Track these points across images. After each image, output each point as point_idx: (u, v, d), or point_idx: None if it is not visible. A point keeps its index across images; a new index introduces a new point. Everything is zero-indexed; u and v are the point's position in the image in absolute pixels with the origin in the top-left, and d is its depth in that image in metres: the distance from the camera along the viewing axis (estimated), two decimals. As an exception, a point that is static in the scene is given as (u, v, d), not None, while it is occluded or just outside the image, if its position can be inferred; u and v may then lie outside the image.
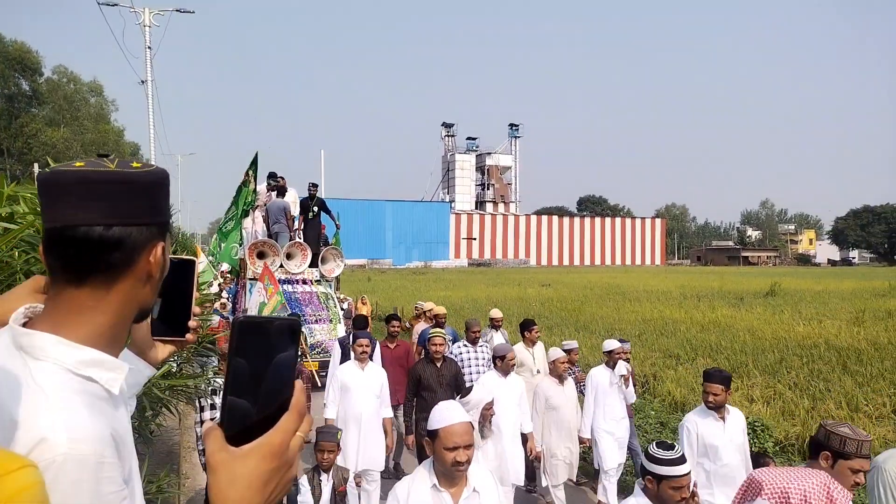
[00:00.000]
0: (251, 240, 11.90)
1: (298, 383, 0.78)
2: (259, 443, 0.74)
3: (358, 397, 5.78)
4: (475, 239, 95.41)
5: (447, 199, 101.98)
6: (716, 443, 4.42)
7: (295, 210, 12.81)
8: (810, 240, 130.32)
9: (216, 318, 9.10)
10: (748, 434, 7.27)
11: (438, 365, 6.13)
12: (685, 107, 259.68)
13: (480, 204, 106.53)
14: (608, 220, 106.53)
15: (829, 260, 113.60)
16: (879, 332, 14.50)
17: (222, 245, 11.49)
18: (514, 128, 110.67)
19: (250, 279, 11.30)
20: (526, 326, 7.54)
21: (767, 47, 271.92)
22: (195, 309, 1.18)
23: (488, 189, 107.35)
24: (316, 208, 12.66)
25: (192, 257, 1.20)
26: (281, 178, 12.98)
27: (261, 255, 11.25)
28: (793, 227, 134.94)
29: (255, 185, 11.69)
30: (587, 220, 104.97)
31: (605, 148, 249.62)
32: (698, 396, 9.54)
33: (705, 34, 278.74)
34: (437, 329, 6.80)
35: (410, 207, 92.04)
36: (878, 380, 9.96)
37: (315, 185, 12.85)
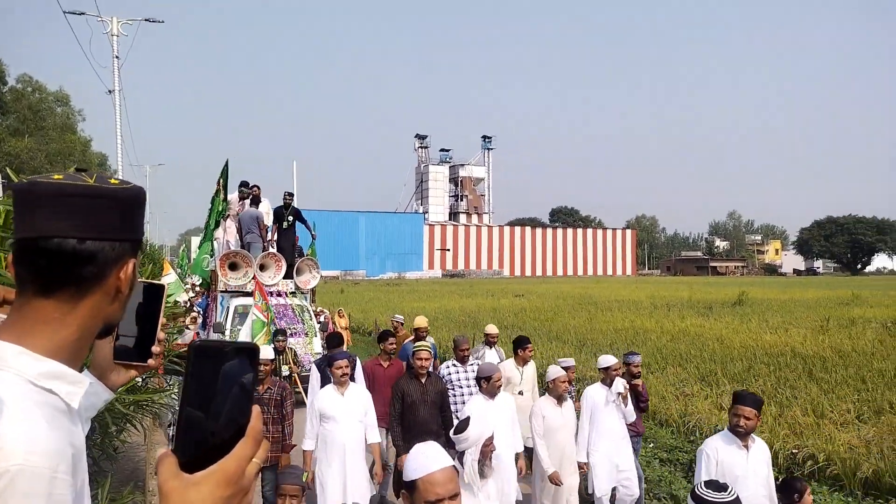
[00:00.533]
0: (223, 250, 11.50)
1: (255, 409, 0.76)
2: (213, 469, 0.73)
3: (340, 425, 5.25)
4: (449, 250, 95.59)
5: (421, 211, 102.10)
6: (737, 472, 4.05)
7: (269, 220, 12.44)
8: (776, 250, 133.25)
9: (189, 334, 8.77)
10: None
11: (423, 381, 5.73)
12: (655, 119, 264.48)
13: (454, 215, 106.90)
14: (580, 231, 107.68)
15: (794, 270, 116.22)
16: (843, 339, 14.83)
17: (193, 256, 11.14)
18: (487, 140, 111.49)
19: (222, 292, 10.93)
20: (520, 344, 7.08)
21: (734, 61, 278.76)
22: (160, 335, 1.17)
23: (462, 200, 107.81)
24: (291, 218, 12.23)
25: (162, 282, 1.19)
26: (255, 186, 12.58)
27: (233, 267, 10.85)
28: (759, 238, 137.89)
29: (226, 195, 11.35)
30: (559, 231, 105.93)
31: (577, 160, 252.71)
32: (669, 405, 9.66)
33: (673, 49, 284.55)
34: (423, 343, 6.36)
35: (384, 219, 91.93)
36: (842, 386, 10.17)
37: (290, 195, 12.39)
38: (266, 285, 10.77)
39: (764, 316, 21.12)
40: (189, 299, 17.71)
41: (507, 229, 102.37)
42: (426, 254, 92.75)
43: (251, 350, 0.76)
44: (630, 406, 5.95)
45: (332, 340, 6.81)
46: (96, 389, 1.15)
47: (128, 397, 3.81)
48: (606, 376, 5.94)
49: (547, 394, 5.69)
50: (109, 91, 21.21)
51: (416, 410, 5.61)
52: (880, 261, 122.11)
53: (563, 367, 6.14)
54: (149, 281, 1.15)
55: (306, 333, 10.71)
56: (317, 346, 10.51)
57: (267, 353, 5.86)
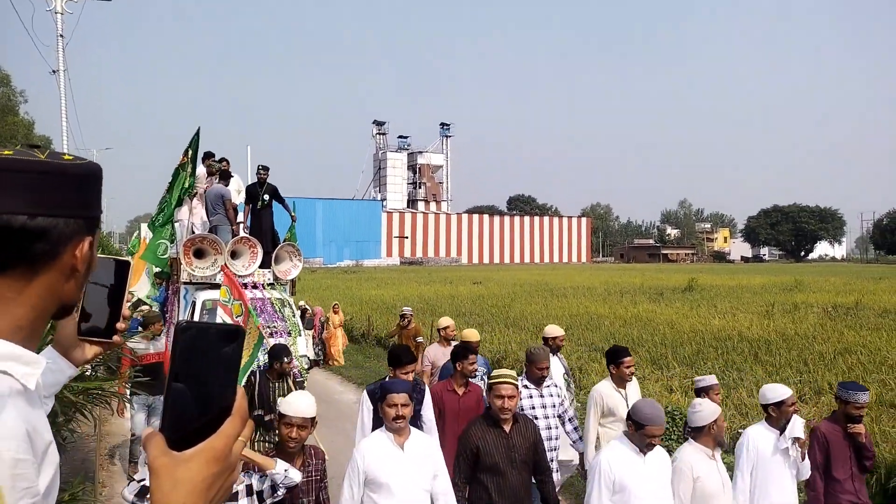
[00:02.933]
0: (187, 234, 9.76)
1: (240, 388, 0.78)
2: (202, 447, 0.74)
3: (396, 498, 3.49)
4: (407, 237, 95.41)
5: (379, 198, 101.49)
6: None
7: (239, 199, 10.87)
8: (725, 238, 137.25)
9: (162, 341, 7.52)
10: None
11: (507, 429, 3.91)
12: (609, 110, 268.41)
13: (412, 202, 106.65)
14: (537, 219, 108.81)
15: (742, 257, 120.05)
16: (787, 323, 15.44)
17: (147, 242, 9.58)
18: (445, 127, 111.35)
19: (185, 283, 9.35)
20: (616, 357, 5.21)
21: (685, 52, 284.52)
22: (125, 311, 1.16)
23: (420, 188, 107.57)
24: (266, 196, 10.54)
25: (128, 258, 1.18)
26: (223, 160, 10.92)
27: (199, 254, 9.21)
28: (709, 226, 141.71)
29: (194, 168, 9.72)
30: (517, 219, 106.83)
31: (535, 148, 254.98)
32: (622, 388, 9.91)
33: (626, 37, 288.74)
34: (506, 372, 4.11)
35: (341, 206, 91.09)
36: (786, 368, 10.61)
37: (265, 169, 10.64)
38: (238, 276, 9.13)
39: (713, 301, 21.78)
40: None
41: (465, 217, 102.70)
42: (384, 241, 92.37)
43: (235, 330, 0.78)
44: (807, 462, 4.24)
45: (399, 356, 4.67)
46: (60, 366, 1.15)
47: (77, 385, 3.71)
48: (779, 414, 4.18)
49: (691, 440, 3.88)
50: (53, 71, 20.39)
51: (498, 474, 3.86)
52: (822, 248, 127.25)
53: (702, 388, 4.72)
54: (114, 257, 1.13)
55: (289, 332, 9.08)
56: (301, 347, 9.08)
57: (305, 408, 3.51)
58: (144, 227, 10.73)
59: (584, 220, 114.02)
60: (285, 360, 5.90)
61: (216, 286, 9.05)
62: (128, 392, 6.20)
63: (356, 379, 12.94)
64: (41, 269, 0.93)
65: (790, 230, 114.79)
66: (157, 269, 10.11)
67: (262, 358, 7.50)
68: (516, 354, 12.45)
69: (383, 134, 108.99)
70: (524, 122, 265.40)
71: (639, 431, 3.55)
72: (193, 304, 9.08)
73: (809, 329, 14.48)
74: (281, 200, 10.87)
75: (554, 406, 5.05)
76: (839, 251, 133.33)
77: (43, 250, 0.92)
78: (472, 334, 6.67)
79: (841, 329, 14.24)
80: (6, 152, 0.91)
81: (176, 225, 9.94)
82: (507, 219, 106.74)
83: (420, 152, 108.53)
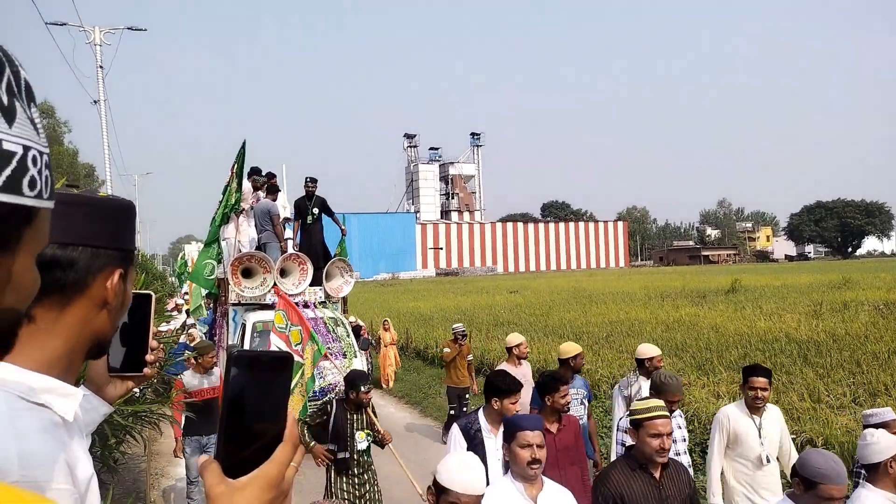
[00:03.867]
0: (234, 253, 9.28)
1: (291, 414, 0.79)
2: (256, 474, 0.76)
3: None
4: (441, 248, 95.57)
5: (412, 210, 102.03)
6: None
7: (286, 214, 10.46)
8: (767, 236, 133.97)
9: (199, 379, 6.41)
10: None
11: (657, 475, 3.17)
12: (642, 110, 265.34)
13: (445, 213, 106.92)
14: (572, 224, 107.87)
15: (786, 255, 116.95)
16: (836, 323, 14.95)
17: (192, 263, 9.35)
18: (475, 137, 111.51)
19: (234, 305, 8.83)
20: (752, 374, 4.31)
21: (719, 51, 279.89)
22: (152, 343, 1.18)
23: (452, 198, 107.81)
24: (316, 210, 9.99)
25: (149, 291, 1.20)
26: (270, 174, 10.36)
27: (247, 273, 8.71)
28: (750, 225, 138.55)
29: (240, 184, 9.24)
30: (551, 226, 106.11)
31: (566, 153, 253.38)
32: (667, 395, 9.71)
33: (660, 38, 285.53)
34: (655, 404, 3.31)
35: (376, 219, 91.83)
36: (837, 370, 10.25)
37: (314, 181, 10.06)
38: (288, 294, 8.56)
39: (757, 303, 21.24)
40: (187, 312, 15.09)
41: (499, 225, 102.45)
42: (419, 253, 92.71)
43: (286, 358, 0.80)
44: None
45: (505, 385, 3.97)
46: (94, 404, 1.16)
47: (126, 408, 3.80)
48: (890, 428, 3.52)
49: (867, 484, 3.02)
50: (94, 101, 21.08)
51: None
52: (870, 243, 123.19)
53: (874, 424, 3.70)
54: (135, 291, 1.15)
55: (344, 354, 8.29)
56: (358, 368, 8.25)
57: (477, 481, 2.52)
58: (188, 248, 10.74)
59: (620, 223, 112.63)
60: (363, 388, 5.16)
61: (266, 307, 8.61)
62: (182, 421, 6.21)
63: (398, 393, 12.95)
64: (72, 299, 0.95)
65: (835, 226, 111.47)
66: (205, 291, 9.75)
67: (320, 382, 7.31)
68: (556, 365, 12.32)
69: (414, 146, 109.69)
70: (555, 127, 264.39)
71: (810, 492, 2.77)
72: (243, 326, 8.60)
73: (861, 328, 13.98)
74: (331, 213, 10.34)
75: (685, 440, 4.49)
76: (888, 246, 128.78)
77: (73, 279, 0.94)
78: (570, 348, 5.68)
79: (894, 327, 13.72)
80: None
81: (223, 243, 9.51)
82: (541, 226, 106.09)
83: (451, 163, 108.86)
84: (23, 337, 0.89)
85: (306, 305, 8.77)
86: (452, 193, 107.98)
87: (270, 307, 8.37)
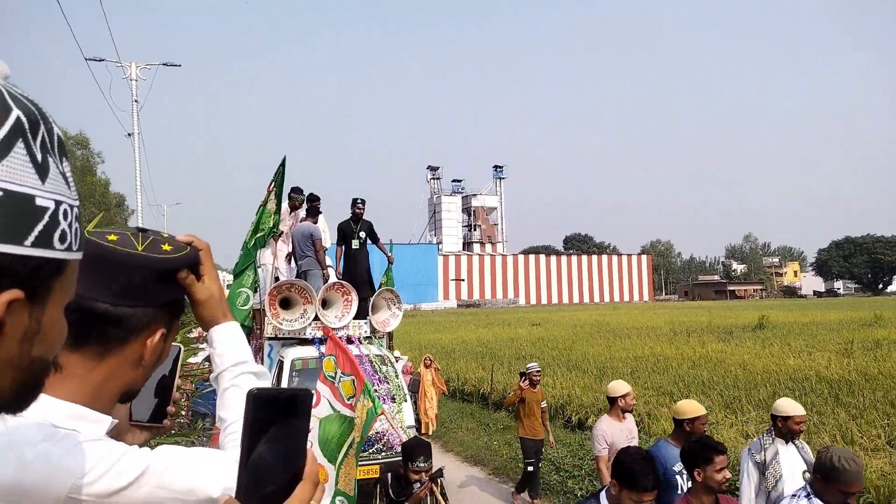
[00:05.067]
0: (271, 282, 8.50)
1: (310, 452, 0.80)
2: None
3: None
4: (463, 280, 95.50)
5: (434, 241, 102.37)
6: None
7: (327, 239, 9.42)
8: (795, 272, 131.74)
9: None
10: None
11: None
12: (666, 143, 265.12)
13: (467, 245, 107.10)
14: (595, 257, 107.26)
15: (814, 291, 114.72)
16: (869, 362, 14.57)
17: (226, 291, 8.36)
18: (498, 169, 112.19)
19: (270, 339, 7.96)
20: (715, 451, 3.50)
21: (744, 85, 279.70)
22: (175, 396, 1.21)
23: (475, 230, 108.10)
24: (363, 234, 9.13)
25: (178, 344, 1.21)
26: (312, 196, 9.31)
27: (286, 304, 7.76)
28: (777, 260, 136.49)
29: (279, 204, 8.27)
30: (574, 259, 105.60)
31: (589, 186, 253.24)
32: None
33: (684, 75, 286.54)
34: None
35: (398, 250, 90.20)
36: (870, 411, 9.97)
37: (362, 202, 9.24)
38: (332, 328, 7.66)
39: (786, 340, 20.81)
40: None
41: (521, 258, 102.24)
42: (441, 284, 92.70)
43: (306, 395, 0.80)
44: None
45: (699, 452, 3.44)
46: None
47: (152, 442, 3.83)
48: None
49: None
50: (129, 134, 21.71)
51: None
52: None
53: None
54: None
55: (393, 398, 7.31)
56: (408, 416, 7.38)
57: None
58: (222, 275, 10.00)
59: (644, 257, 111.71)
60: (420, 464, 4.14)
61: (306, 342, 7.75)
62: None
63: (435, 439, 12.76)
64: (112, 351, 0.98)
65: (865, 262, 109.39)
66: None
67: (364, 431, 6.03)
68: (580, 400, 12.15)
69: (437, 178, 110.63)
70: (577, 159, 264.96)
71: (830, 485, 3.16)
72: (280, 363, 7.62)
73: (894, 367, 13.61)
74: (376, 239, 9.55)
75: None
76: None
77: (116, 336, 0.97)
78: (690, 408, 4.42)
79: (930, 367, 13.34)
80: (111, 237, 0.98)
81: (259, 270, 8.44)
82: (563, 258, 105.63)
83: (474, 195, 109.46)
84: (55, 380, 0.93)
85: (350, 341, 7.72)
86: (475, 225, 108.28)
87: (310, 342, 7.65)
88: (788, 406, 4.48)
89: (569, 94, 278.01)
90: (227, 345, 1.16)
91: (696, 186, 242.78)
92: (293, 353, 7.58)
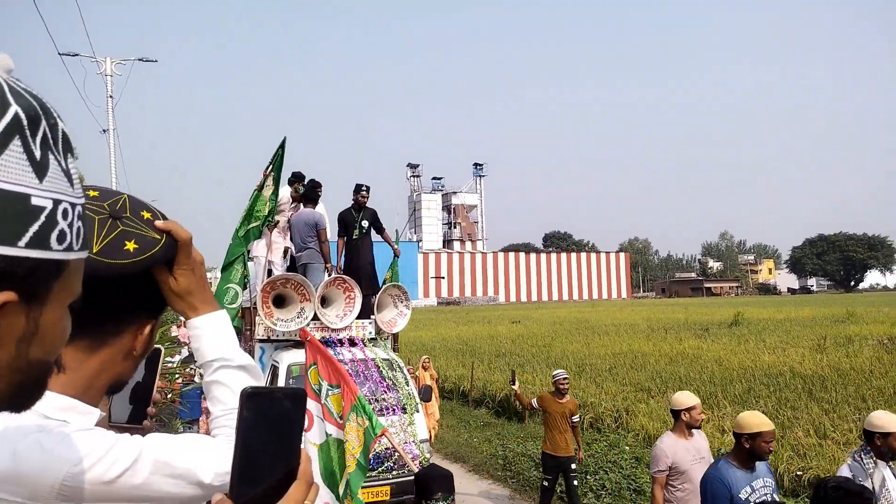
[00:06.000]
0: (264, 277, 7.62)
1: (304, 451, 0.80)
2: None
3: None
4: (443, 278, 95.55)
5: (414, 239, 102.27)
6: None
7: (330, 233, 8.48)
8: (770, 269, 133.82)
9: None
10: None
11: None
12: (644, 142, 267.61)
13: (447, 243, 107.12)
14: (574, 255, 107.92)
15: (788, 288, 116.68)
16: (841, 358, 14.87)
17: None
18: (478, 167, 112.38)
19: (262, 341, 7.03)
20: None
21: (723, 84, 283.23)
22: (156, 397, 1.21)
23: (455, 228, 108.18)
24: (365, 223, 8.24)
25: (158, 346, 1.21)
26: (313, 182, 8.43)
27: (280, 301, 6.84)
28: (752, 258, 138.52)
29: (277, 189, 7.36)
30: (553, 256, 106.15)
31: (569, 184, 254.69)
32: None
33: (659, 72, 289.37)
34: None
35: (378, 248, 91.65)
36: (843, 406, 10.18)
37: (366, 189, 8.35)
38: (332, 329, 6.84)
39: (761, 336, 21.16)
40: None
41: (501, 255, 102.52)
42: (421, 282, 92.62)
43: (300, 394, 0.79)
44: None
45: (843, 500, 2.88)
46: None
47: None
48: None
49: None
50: (104, 130, 21.36)
51: None
52: (873, 277, 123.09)
53: None
54: None
55: (404, 408, 6.51)
56: (421, 429, 6.56)
57: None
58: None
59: (622, 255, 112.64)
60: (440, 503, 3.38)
61: (303, 344, 6.57)
62: None
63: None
64: (103, 345, 0.99)
65: (838, 259, 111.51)
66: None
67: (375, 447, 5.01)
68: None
69: (417, 176, 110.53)
70: (557, 158, 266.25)
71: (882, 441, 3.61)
72: (274, 368, 6.78)
73: (865, 363, 13.91)
74: (381, 229, 8.64)
75: None
76: (891, 280, 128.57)
77: (110, 329, 0.98)
78: (755, 420, 3.75)
79: (899, 362, 13.65)
80: (92, 193, 0.97)
81: (250, 265, 7.57)
82: (543, 256, 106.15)
83: (454, 193, 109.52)
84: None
85: (353, 343, 6.92)
86: (455, 223, 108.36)
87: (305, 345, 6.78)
88: (887, 420, 3.81)
89: (549, 92, 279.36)
90: (201, 339, 1.13)
91: (674, 185, 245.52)
92: (289, 358, 6.63)
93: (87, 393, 0.99)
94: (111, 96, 21.12)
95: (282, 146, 7.27)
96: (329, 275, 7.59)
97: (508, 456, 9.60)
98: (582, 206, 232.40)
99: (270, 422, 0.76)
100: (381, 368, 6.63)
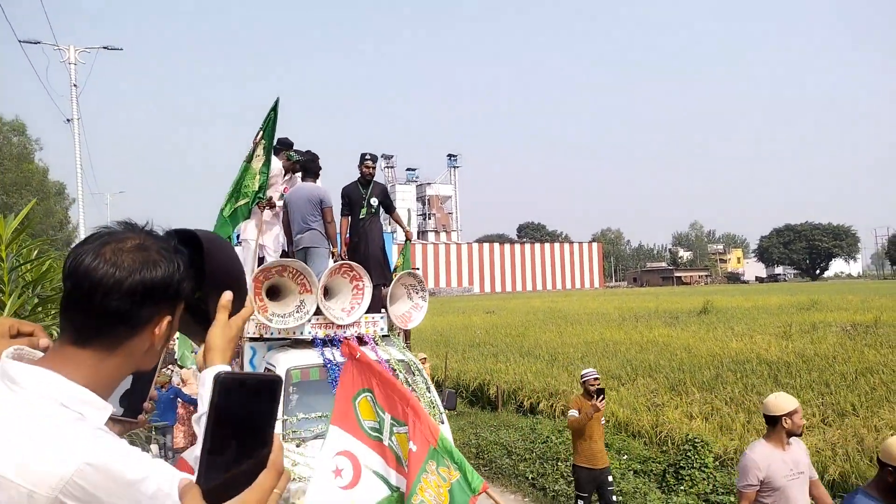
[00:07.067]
0: (254, 264, 6.42)
1: (276, 440, 0.79)
2: (236, 501, 0.75)
3: None
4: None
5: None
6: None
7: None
8: (738, 258, 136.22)
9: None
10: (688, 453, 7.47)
11: None
12: (616, 134, 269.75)
13: (422, 234, 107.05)
14: (547, 245, 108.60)
15: (756, 277, 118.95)
16: (806, 344, 15.23)
17: None
18: (452, 158, 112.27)
19: (252, 339, 6.03)
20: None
21: (691, 75, 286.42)
22: (152, 392, 1.22)
23: (429, 219, 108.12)
24: (374, 201, 7.02)
25: None
26: (310, 153, 7.16)
27: (274, 292, 5.78)
28: (721, 247, 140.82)
29: (268, 160, 6.34)
30: (527, 247, 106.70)
31: (542, 176, 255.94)
32: (641, 417, 9.78)
33: (630, 63, 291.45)
34: None
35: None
36: (807, 391, 10.44)
37: (371, 159, 7.12)
38: (338, 324, 5.80)
39: (729, 324, 21.54)
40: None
41: (475, 246, 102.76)
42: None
43: (273, 381, 0.79)
44: None
45: None
46: None
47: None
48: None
49: None
50: (68, 120, 20.84)
51: None
52: (837, 265, 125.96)
53: None
54: None
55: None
56: (447, 435, 5.51)
57: None
58: None
59: (595, 245, 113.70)
60: None
61: (302, 343, 5.77)
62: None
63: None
64: (120, 346, 1.00)
65: (804, 249, 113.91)
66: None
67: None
68: (532, 385, 12.35)
69: (391, 167, 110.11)
70: (531, 149, 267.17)
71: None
72: (267, 372, 5.59)
73: (829, 349, 14.26)
74: (392, 209, 7.57)
75: None
76: (855, 268, 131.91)
77: (124, 332, 1.00)
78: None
79: (861, 348, 14.02)
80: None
81: (238, 250, 6.32)
82: (517, 246, 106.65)
83: (428, 184, 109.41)
84: (69, 363, 0.98)
85: (363, 342, 5.86)
86: (429, 214, 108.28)
87: (309, 343, 5.70)
88: None
89: (523, 83, 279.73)
90: (208, 388, 1.20)
91: (646, 176, 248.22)
92: (287, 360, 5.53)
93: (106, 388, 1.01)
94: (75, 85, 20.61)
95: (274, 108, 6.27)
96: (334, 261, 6.50)
97: (482, 444, 9.67)
98: (555, 198, 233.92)
99: (242, 409, 0.76)
100: (396, 369, 5.52)
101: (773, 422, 3.99)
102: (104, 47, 21.02)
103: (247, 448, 0.76)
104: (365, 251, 6.76)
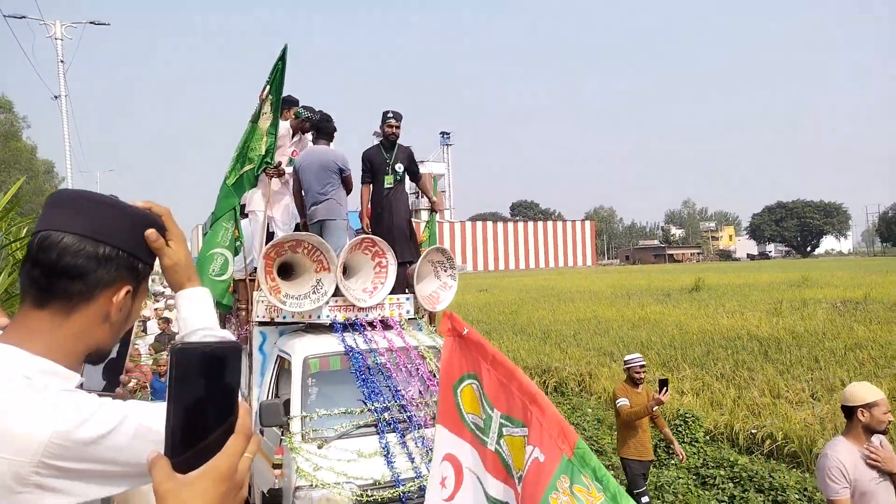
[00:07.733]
0: (262, 239, 5.58)
1: (243, 405, 0.78)
2: (206, 468, 0.74)
3: None
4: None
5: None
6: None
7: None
8: (730, 236, 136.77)
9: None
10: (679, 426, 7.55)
11: None
12: (609, 112, 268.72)
13: (415, 212, 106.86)
14: (540, 223, 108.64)
15: (748, 254, 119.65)
16: (796, 321, 15.37)
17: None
18: (445, 135, 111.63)
19: (262, 324, 5.24)
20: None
21: (685, 53, 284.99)
22: (128, 364, 1.24)
23: (422, 197, 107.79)
24: (400, 167, 6.17)
25: None
26: (321, 112, 6.20)
27: (286, 271, 5.19)
28: (713, 225, 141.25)
29: (276, 120, 5.53)
30: (520, 225, 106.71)
31: (535, 153, 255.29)
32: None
33: (623, 39, 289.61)
34: None
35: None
36: (796, 367, 10.56)
37: (395, 117, 6.16)
38: (359, 306, 5.26)
39: (720, 301, 21.69)
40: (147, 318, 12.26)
41: (468, 224, 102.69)
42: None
43: (233, 347, 0.77)
44: None
45: None
46: None
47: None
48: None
49: None
50: (55, 96, 20.56)
51: None
52: (828, 242, 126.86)
53: None
54: None
55: None
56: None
57: None
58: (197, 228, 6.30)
59: (587, 223, 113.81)
60: None
61: (318, 327, 5.14)
62: None
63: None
64: (76, 307, 1.00)
65: (795, 226, 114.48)
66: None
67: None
68: (525, 362, 12.42)
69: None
70: (524, 127, 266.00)
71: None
72: (281, 362, 5.04)
73: (819, 325, 14.41)
74: (419, 177, 6.75)
75: None
76: (845, 245, 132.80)
77: (79, 291, 0.99)
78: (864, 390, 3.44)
79: (850, 324, 14.17)
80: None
81: (244, 223, 5.81)
82: (510, 225, 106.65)
83: (421, 161, 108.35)
84: (31, 331, 0.99)
85: (387, 326, 5.32)
86: (421, 192, 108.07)
87: (328, 328, 5.09)
88: (868, 390, 3.40)
89: (516, 62, 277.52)
90: (190, 310, 1.21)
91: (638, 154, 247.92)
92: (304, 348, 4.85)
93: (67, 358, 1.00)
94: (62, 61, 20.29)
95: (282, 58, 5.43)
96: (355, 235, 5.80)
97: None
98: (548, 176, 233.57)
99: (204, 377, 0.74)
100: (428, 360, 4.80)
101: (849, 413, 3.41)
102: (91, 22, 20.67)
103: (212, 417, 0.74)
104: (389, 224, 5.97)
